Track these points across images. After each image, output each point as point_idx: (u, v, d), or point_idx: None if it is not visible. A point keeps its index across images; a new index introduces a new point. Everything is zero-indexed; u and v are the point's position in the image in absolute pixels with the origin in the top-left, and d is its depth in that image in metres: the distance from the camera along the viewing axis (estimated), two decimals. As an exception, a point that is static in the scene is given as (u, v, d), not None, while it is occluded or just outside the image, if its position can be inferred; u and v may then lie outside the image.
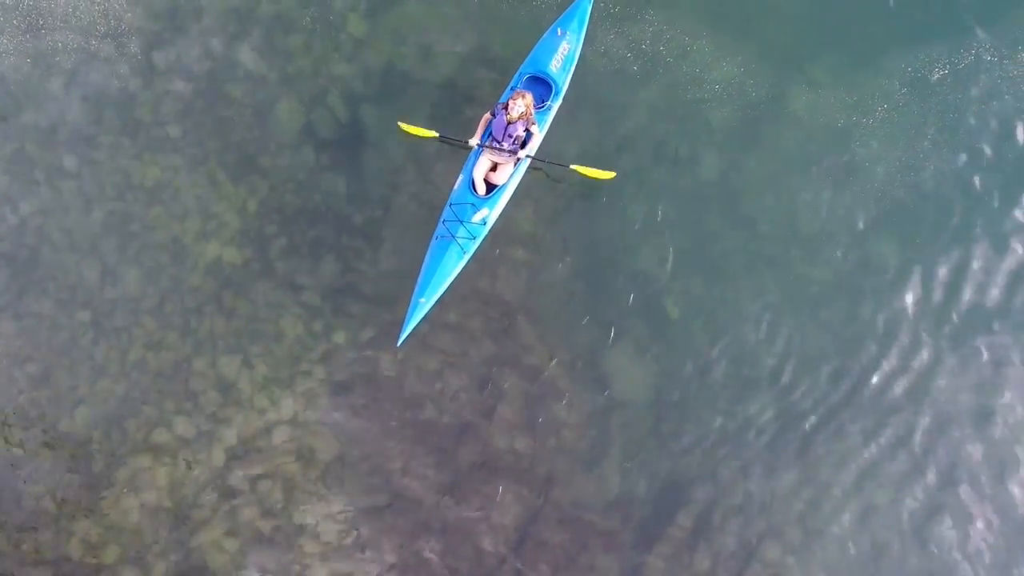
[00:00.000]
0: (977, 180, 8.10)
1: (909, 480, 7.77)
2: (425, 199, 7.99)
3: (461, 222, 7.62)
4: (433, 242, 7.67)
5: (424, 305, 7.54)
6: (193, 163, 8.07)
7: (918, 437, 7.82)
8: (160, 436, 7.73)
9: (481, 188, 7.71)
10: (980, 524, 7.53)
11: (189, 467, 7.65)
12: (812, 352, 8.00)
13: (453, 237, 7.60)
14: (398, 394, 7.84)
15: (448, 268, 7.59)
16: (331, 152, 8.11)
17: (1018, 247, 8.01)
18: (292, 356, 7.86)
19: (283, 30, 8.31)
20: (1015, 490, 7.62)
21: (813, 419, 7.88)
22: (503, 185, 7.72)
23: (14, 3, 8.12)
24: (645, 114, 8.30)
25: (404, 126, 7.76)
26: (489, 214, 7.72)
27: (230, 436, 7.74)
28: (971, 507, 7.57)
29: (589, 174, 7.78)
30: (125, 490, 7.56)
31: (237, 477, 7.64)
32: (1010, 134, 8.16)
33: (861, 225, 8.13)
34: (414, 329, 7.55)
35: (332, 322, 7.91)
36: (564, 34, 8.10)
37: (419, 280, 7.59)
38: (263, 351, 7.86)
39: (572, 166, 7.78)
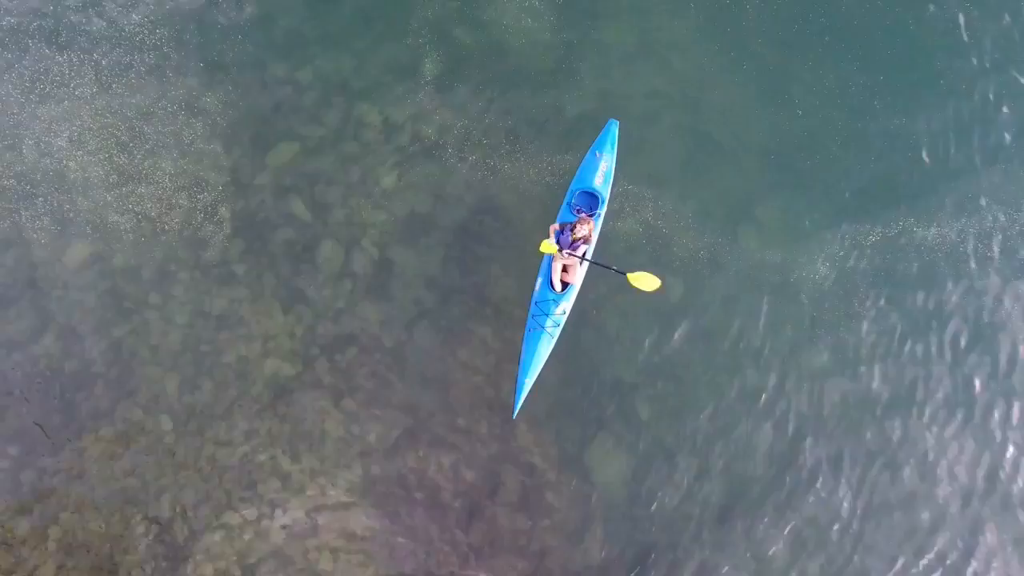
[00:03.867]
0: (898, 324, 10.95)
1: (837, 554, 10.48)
2: (443, 325, 10.69)
3: (547, 315, 10.50)
4: (527, 334, 10.50)
5: (528, 383, 10.38)
6: (253, 295, 10.80)
7: (848, 523, 10.52)
8: (229, 517, 10.37)
9: (558, 287, 10.56)
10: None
11: (252, 542, 10.27)
12: (757, 445, 10.69)
13: (543, 328, 10.47)
14: (421, 483, 10.53)
15: (542, 352, 10.47)
16: (365, 286, 10.88)
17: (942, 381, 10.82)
18: (336, 452, 10.55)
19: (325, 183, 11.02)
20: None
21: (756, 500, 10.58)
22: (573, 284, 10.61)
23: (106, 151, 10.78)
24: (622, 247, 10.98)
25: (546, 245, 10.20)
26: (567, 306, 10.64)
27: (286, 517, 10.38)
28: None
29: (637, 282, 10.18)
30: (201, 561, 10.17)
31: (292, 550, 10.28)
32: (930, 295, 11.03)
33: (794, 340, 10.87)
34: (521, 404, 10.27)
35: (367, 425, 10.58)
36: (601, 156, 11.03)
37: (520, 364, 10.43)
38: (312, 448, 10.53)
39: (627, 273, 10.18)
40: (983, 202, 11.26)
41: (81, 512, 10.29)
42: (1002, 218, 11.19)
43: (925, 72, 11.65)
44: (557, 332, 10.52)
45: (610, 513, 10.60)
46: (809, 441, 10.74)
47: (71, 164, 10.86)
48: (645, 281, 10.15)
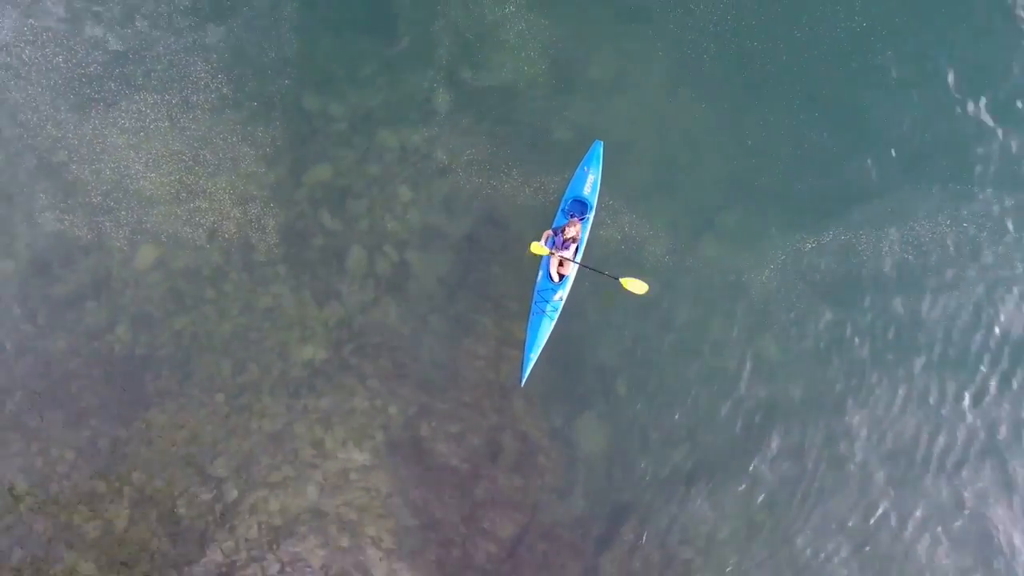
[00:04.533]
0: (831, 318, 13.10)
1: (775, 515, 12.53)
2: (451, 317, 12.88)
3: (547, 301, 12.89)
4: (531, 317, 12.88)
5: (533, 357, 12.74)
6: (293, 292, 13.05)
7: (794, 484, 12.57)
8: (273, 477, 12.47)
9: (555, 278, 12.90)
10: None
11: (292, 498, 12.35)
12: (717, 419, 12.82)
13: (544, 312, 12.86)
14: (432, 449, 12.67)
15: (544, 331, 12.84)
16: (386, 284, 13.13)
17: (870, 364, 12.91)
18: (361, 423, 12.69)
19: (353, 198, 13.26)
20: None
21: (716, 465, 12.66)
22: (568, 276, 12.95)
23: (175, 173, 13.06)
24: (603, 252, 13.16)
25: (535, 247, 12.60)
26: (563, 293, 12.99)
27: (320, 477, 12.47)
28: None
29: (629, 286, 12.53)
30: (250, 513, 12.24)
31: (325, 504, 12.41)
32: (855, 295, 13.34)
33: (747, 329, 13.04)
34: (528, 374, 12.64)
35: (387, 400, 12.72)
36: (588, 170, 13.45)
37: (526, 342, 12.78)
38: (342, 420, 12.67)
39: (619, 278, 12.56)
40: (901, 215, 13.49)
41: (149, 473, 12.44)
42: (917, 228, 13.44)
43: (857, 105, 13.91)
44: (555, 315, 12.85)
45: (592, 475, 12.71)
46: (761, 414, 12.87)
47: (145, 183, 13.18)
48: (635, 285, 12.41)
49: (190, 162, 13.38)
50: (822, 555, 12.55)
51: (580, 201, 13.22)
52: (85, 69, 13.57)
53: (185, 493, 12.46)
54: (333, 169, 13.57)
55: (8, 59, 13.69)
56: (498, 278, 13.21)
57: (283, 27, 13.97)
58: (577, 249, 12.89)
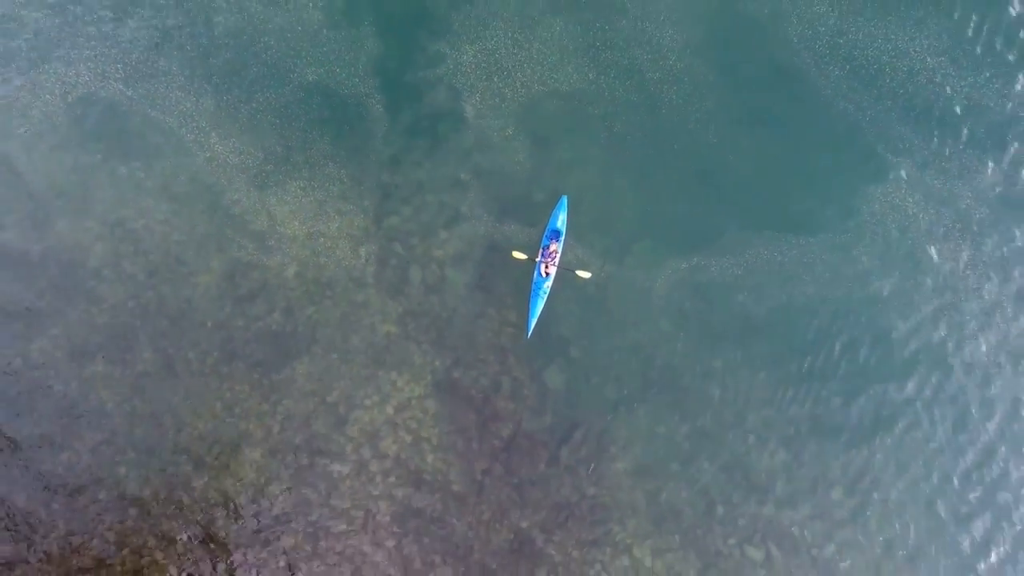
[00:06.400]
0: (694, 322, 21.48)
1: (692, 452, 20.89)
2: (472, 307, 21.37)
3: (540, 288, 21.82)
4: (531, 298, 21.75)
5: (533, 322, 21.60)
6: (376, 292, 21.81)
7: (696, 407, 20.92)
8: (366, 402, 21.05)
9: (544, 275, 21.79)
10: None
11: (377, 415, 20.87)
12: (637, 368, 21.16)
13: (538, 295, 21.76)
14: (460, 386, 21.36)
15: (539, 306, 21.73)
16: (433, 288, 21.84)
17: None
18: (417, 371, 21.33)
19: (411, 236, 21.94)
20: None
21: (633, 399, 20.99)
22: (551, 274, 21.75)
23: (313, 225, 21.75)
24: (566, 264, 21.61)
25: (515, 254, 21.59)
26: (549, 284, 21.82)
27: (393, 402, 20.97)
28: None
29: (580, 274, 21.49)
30: (352, 424, 20.72)
31: (397, 419, 21.04)
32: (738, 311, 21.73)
33: (654, 313, 21.36)
34: (531, 329, 20.92)
35: (433, 357, 21.33)
36: (559, 212, 22.32)
37: (529, 313, 21.65)
38: (406, 369, 21.32)
39: (574, 271, 21.69)
40: (739, 250, 22.32)
41: (293, 400, 21.15)
42: (748, 257, 22.12)
43: (715, 183, 22.81)
44: (546, 296, 21.73)
45: (556, 402, 21.44)
46: (663, 366, 21.36)
47: (291, 229, 22.18)
48: (583, 272, 21.39)
49: (317, 216, 22.39)
50: (700, 459, 21.03)
51: (556, 230, 21.91)
52: (264, 167, 22.70)
53: (313, 412, 21.15)
54: (400, 218, 22.41)
55: (217, 160, 22.77)
56: (500, 284, 21.90)
57: (374, 136, 22.95)
58: (556, 259, 21.56)
